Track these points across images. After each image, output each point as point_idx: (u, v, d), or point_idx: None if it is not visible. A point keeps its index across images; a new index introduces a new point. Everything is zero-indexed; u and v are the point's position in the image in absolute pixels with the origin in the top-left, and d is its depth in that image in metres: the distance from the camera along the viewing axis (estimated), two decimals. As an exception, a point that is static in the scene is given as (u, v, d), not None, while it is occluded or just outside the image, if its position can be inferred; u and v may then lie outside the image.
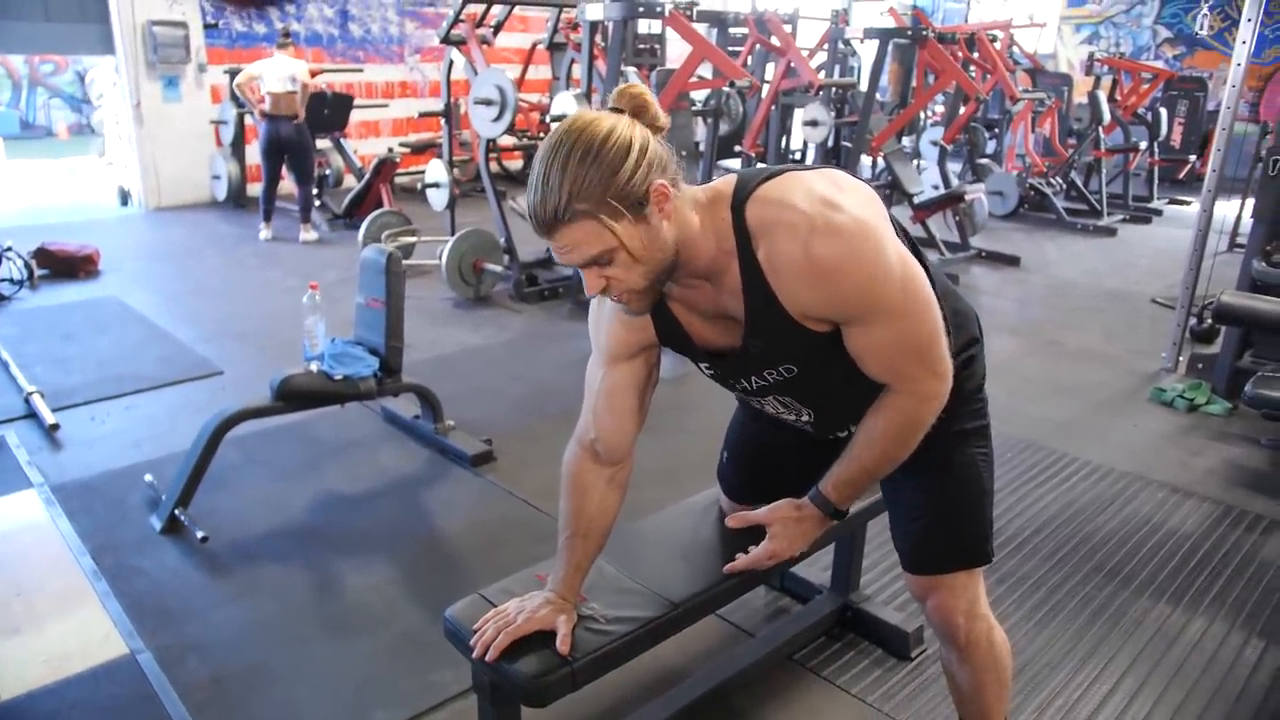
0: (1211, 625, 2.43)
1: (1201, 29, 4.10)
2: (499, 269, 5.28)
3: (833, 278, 1.26)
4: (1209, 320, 4.64)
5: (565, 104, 4.76)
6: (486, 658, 1.47)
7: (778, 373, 1.46)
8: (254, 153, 7.25)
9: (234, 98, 7.23)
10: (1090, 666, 2.25)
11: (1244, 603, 2.54)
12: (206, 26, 7.58)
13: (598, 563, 1.68)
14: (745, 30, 5.43)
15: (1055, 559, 2.73)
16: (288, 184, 6.94)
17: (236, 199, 7.63)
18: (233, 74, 7.21)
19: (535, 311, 5.19)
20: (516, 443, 3.41)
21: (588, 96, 4.81)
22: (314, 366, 2.98)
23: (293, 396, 2.92)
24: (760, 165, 1.42)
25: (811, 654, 2.28)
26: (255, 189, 7.76)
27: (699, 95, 5.51)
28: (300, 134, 6.44)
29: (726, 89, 5.39)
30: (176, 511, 2.75)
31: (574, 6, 6.08)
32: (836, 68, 7.34)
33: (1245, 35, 3.94)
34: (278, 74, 6.28)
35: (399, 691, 2.12)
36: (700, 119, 5.45)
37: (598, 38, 5.10)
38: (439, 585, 2.57)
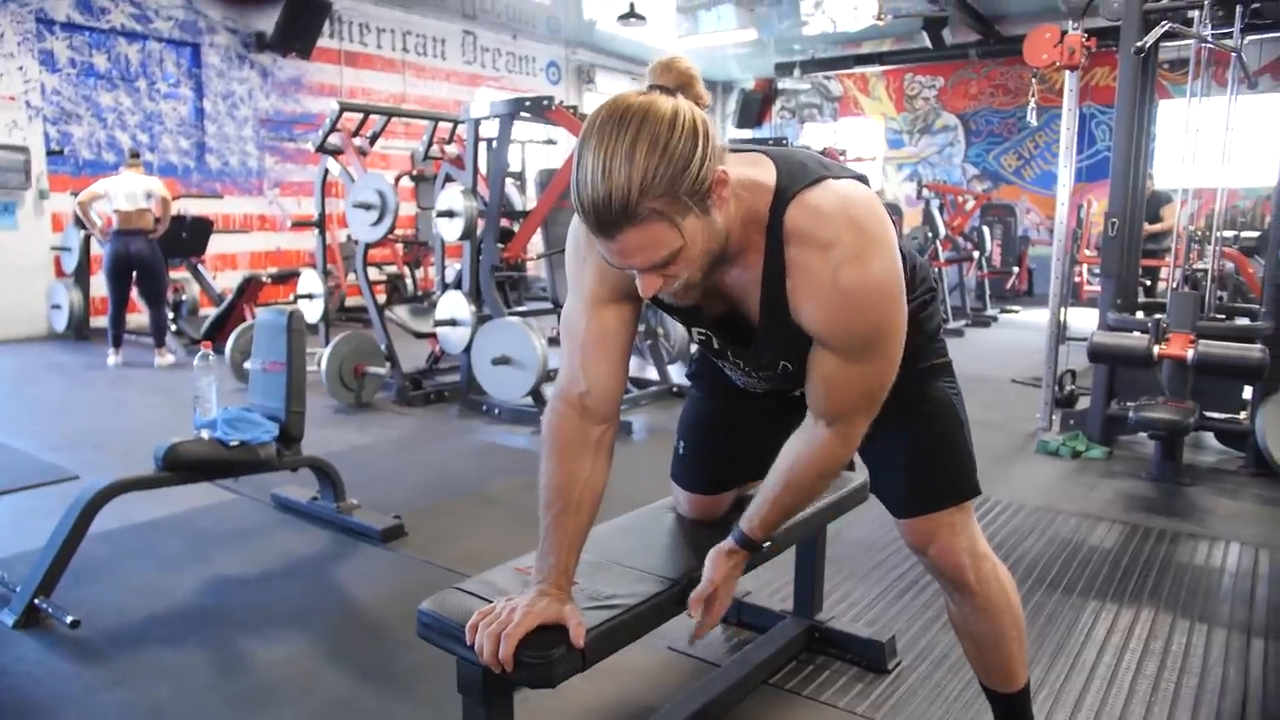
0: (1157, 615, 2.48)
1: (1031, 119, 4.67)
2: (382, 372, 5.06)
3: (847, 310, 1.24)
4: (1070, 388, 5.02)
5: (452, 199, 4.75)
6: (502, 669, 1.26)
7: (773, 369, 1.45)
8: (99, 283, 6.81)
9: (78, 222, 6.85)
10: (1061, 662, 2.22)
11: (1176, 597, 2.61)
12: (50, 153, 7.21)
13: (586, 555, 1.51)
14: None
15: (997, 577, 2.72)
16: (137, 317, 6.51)
17: (78, 330, 7.06)
18: (77, 196, 6.87)
19: (422, 414, 4.96)
20: (427, 519, 3.17)
21: (474, 190, 4.83)
22: (205, 434, 2.69)
23: (182, 466, 2.60)
24: (795, 154, 1.33)
25: (786, 677, 2.14)
26: (100, 321, 7.26)
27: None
28: (152, 250, 6.07)
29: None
30: (37, 601, 2.34)
31: (450, 121, 6.23)
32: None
33: (1066, 161, 4.47)
34: (127, 190, 5.97)
35: (336, 755, 1.82)
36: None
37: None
38: (365, 652, 2.28)
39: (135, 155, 6.30)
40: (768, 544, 1.53)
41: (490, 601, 1.40)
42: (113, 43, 7.65)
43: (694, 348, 1.70)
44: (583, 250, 1.41)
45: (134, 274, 6.11)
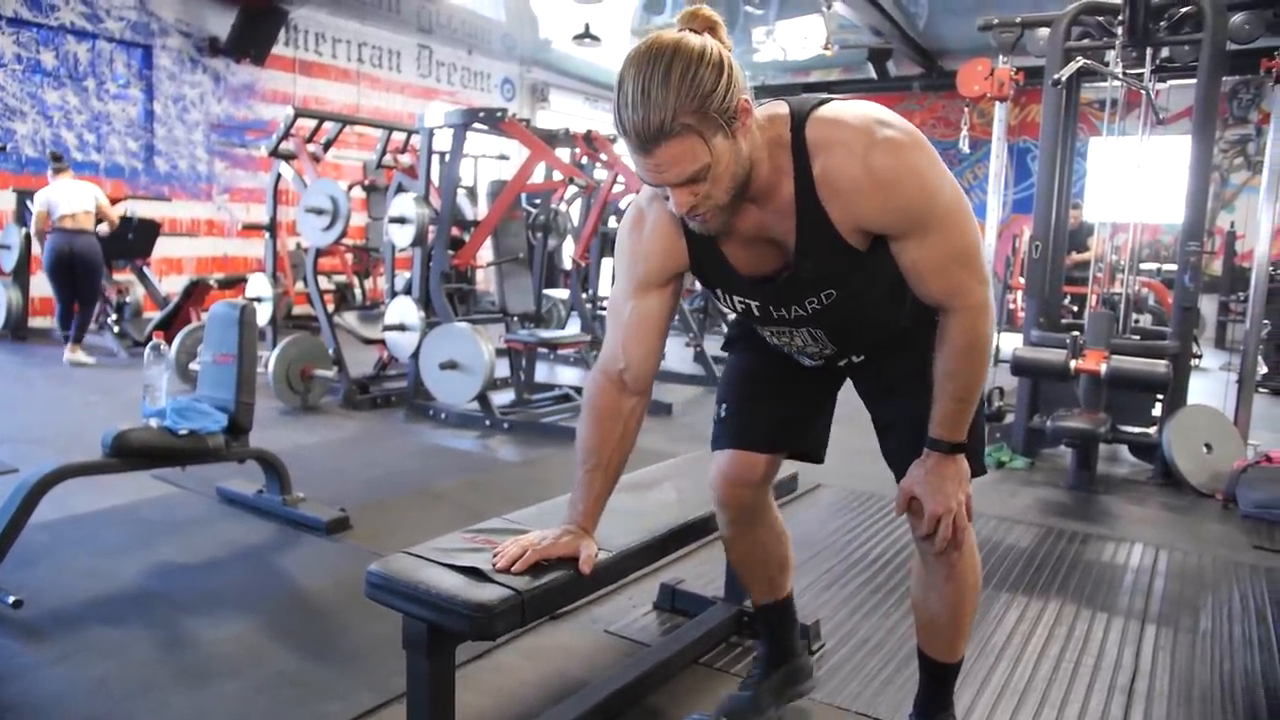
0: (1064, 605, 2.66)
1: (963, 145, 4.92)
2: (330, 375, 5.08)
3: (892, 188, 1.32)
4: (998, 404, 5.26)
5: (404, 206, 4.83)
6: (514, 569, 1.46)
7: (818, 300, 1.49)
8: (39, 283, 6.72)
9: (19, 219, 6.77)
10: (974, 644, 2.37)
11: (1083, 589, 2.79)
12: (-9, 150, 7.10)
13: (531, 526, 1.66)
14: (575, 148, 5.84)
15: (919, 570, 2.88)
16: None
17: (16, 330, 6.90)
18: (20, 194, 6.78)
19: (369, 417, 5.00)
20: (373, 514, 3.22)
21: (426, 199, 4.91)
22: (154, 423, 2.72)
23: (130, 453, 2.64)
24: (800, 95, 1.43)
25: (716, 656, 2.26)
26: (39, 321, 7.14)
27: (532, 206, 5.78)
28: (93, 250, 6.07)
29: (555, 207, 5.68)
30: (-22, 583, 2.36)
31: (405, 131, 6.30)
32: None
33: (995, 189, 4.74)
34: (68, 199, 5.99)
35: (281, 723, 1.88)
36: (529, 233, 5.68)
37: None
38: (311, 632, 2.35)
39: (59, 159, 6.26)
40: (960, 441, 1.52)
41: (435, 562, 1.51)
42: (61, 40, 7.56)
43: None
44: (630, 243, 1.56)
45: (73, 272, 6.08)
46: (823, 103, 1.39)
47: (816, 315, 1.52)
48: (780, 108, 1.40)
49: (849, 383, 1.81)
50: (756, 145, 1.34)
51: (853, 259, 1.42)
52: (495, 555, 1.49)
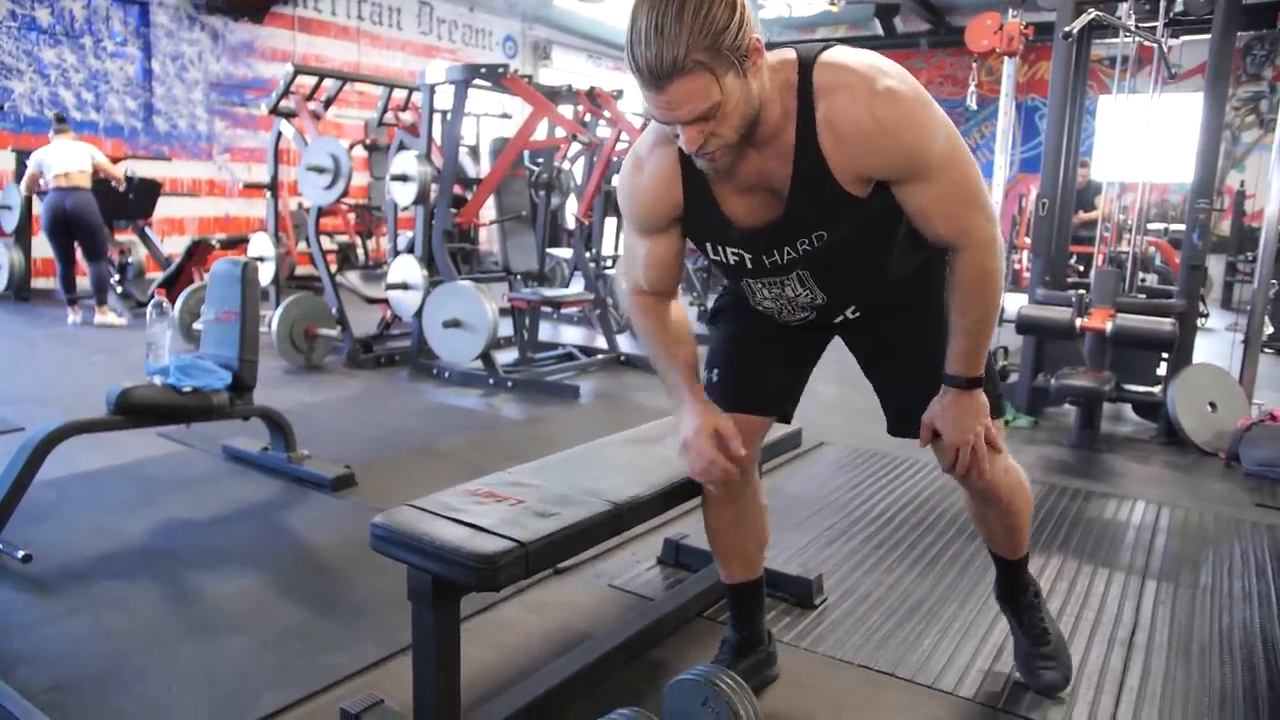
0: (1066, 560, 2.67)
1: (970, 103, 4.87)
2: (333, 334, 5.08)
3: (893, 136, 1.36)
4: (1002, 363, 5.25)
5: (406, 163, 4.78)
6: (720, 472, 1.58)
7: (809, 241, 1.50)
8: (41, 243, 6.70)
9: (19, 179, 6.74)
10: (975, 598, 2.38)
11: (1084, 545, 2.81)
12: (-11, 109, 7.04)
13: (534, 480, 1.71)
14: (579, 105, 5.77)
15: (922, 527, 2.90)
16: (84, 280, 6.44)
17: (19, 291, 6.90)
18: (19, 154, 6.74)
19: (373, 376, 5.00)
20: (377, 471, 3.24)
21: (428, 157, 4.87)
22: (158, 380, 2.73)
23: (134, 410, 2.64)
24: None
25: (719, 610, 2.26)
26: (41, 282, 7.14)
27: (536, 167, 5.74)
28: (89, 207, 6.05)
29: (558, 165, 5.64)
30: (-13, 538, 2.37)
31: (406, 88, 6.23)
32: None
33: (1003, 146, 4.68)
34: (61, 158, 5.98)
35: (289, 675, 1.90)
36: (532, 191, 5.63)
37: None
38: (316, 587, 2.37)
39: (61, 120, 6.28)
40: (976, 376, 1.56)
41: (440, 515, 1.52)
42: (56, -3, 7.46)
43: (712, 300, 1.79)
44: (631, 188, 1.59)
45: (71, 233, 6.07)
46: (825, 49, 1.41)
47: (807, 257, 1.53)
48: (788, 53, 1.42)
49: (847, 351, 1.84)
50: (766, 87, 1.36)
51: (847, 204, 1.44)
52: (700, 472, 1.61)
